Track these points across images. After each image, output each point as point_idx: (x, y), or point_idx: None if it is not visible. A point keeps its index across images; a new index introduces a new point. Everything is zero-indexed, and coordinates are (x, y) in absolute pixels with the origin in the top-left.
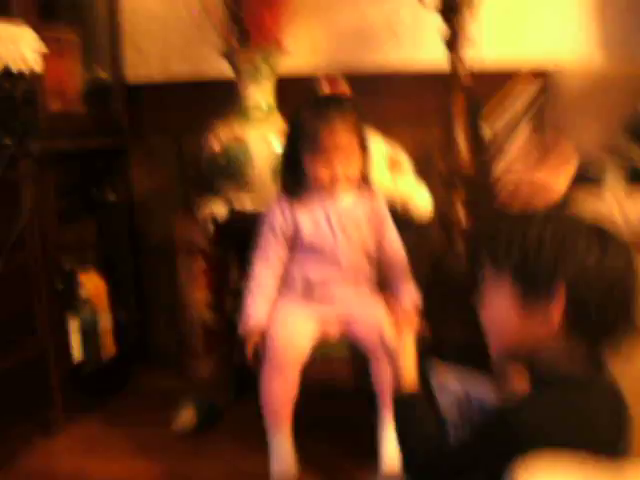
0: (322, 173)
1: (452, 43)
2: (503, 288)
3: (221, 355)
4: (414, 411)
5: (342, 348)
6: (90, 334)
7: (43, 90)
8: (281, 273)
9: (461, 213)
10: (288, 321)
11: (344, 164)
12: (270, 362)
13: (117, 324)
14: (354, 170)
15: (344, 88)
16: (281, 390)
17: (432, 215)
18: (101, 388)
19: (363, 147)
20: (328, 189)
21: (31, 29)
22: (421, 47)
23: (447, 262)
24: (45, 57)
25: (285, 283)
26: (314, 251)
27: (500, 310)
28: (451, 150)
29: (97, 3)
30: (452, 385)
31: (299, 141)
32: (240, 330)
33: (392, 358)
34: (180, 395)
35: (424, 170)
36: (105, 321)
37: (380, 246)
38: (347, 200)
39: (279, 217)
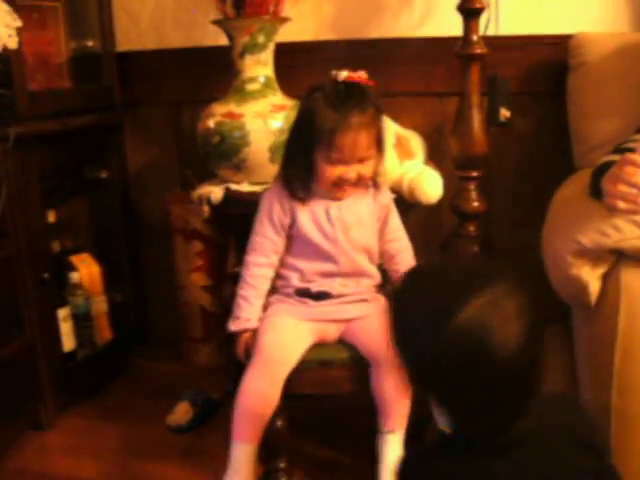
0: (333, 173)
1: (467, 9)
2: None
3: (220, 342)
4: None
5: (341, 351)
6: (83, 319)
7: (21, 68)
8: (276, 265)
9: (473, 195)
10: (278, 322)
11: (359, 165)
12: (253, 362)
13: (113, 307)
14: (368, 171)
15: (366, 78)
16: (259, 391)
17: (442, 197)
18: (97, 374)
19: (379, 144)
20: (337, 189)
21: (4, 1)
22: (434, 13)
23: (457, 245)
24: (23, 29)
25: (279, 276)
26: (311, 245)
27: None
28: (464, 128)
29: None
30: None
31: (310, 134)
32: (229, 328)
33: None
34: (178, 382)
35: (435, 144)
36: (100, 304)
37: (382, 235)
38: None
39: (277, 205)
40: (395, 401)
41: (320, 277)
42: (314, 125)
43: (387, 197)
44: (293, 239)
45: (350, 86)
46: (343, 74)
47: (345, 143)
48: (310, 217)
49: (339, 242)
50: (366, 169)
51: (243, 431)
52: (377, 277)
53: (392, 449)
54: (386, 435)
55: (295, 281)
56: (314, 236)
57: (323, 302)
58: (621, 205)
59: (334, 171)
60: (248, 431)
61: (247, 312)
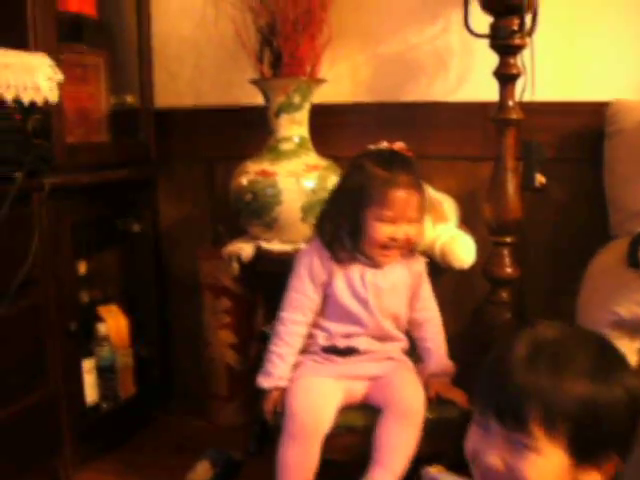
0: (383, 232)
1: (504, 74)
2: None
3: (245, 401)
4: None
5: (368, 417)
6: (108, 372)
7: (60, 120)
8: (310, 323)
9: (506, 261)
10: (308, 384)
11: (407, 226)
12: (288, 431)
13: (139, 361)
14: (415, 234)
15: (406, 151)
16: (299, 462)
17: (475, 262)
18: (119, 429)
19: (422, 210)
20: (383, 252)
21: (48, 55)
22: (470, 77)
23: (489, 311)
24: (66, 83)
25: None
26: (341, 307)
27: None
28: (499, 193)
29: (127, 26)
30: None
31: (360, 194)
32: (260, 384)
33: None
34: (201, 439)
35: (468, 209)
36: (125, 358)
37: (412, 303)
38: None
39: (317, 262)
40: (394, 452)
41: (346, 338)
42: (364, 185)
43: (421, 265)
44: (325, 299)
45: (393, 151)
46: (383, 143)
47: (397, 199)
48: (345, 279)
49: (370, 306)
50: (413, 231)
51: None
52: (404, 342)
53: None
54: None
55: (321, 340)
56: (346, 298)
57: (350, 358)
58: None
59: (384, 230)
60: None
61: (280, 370)
